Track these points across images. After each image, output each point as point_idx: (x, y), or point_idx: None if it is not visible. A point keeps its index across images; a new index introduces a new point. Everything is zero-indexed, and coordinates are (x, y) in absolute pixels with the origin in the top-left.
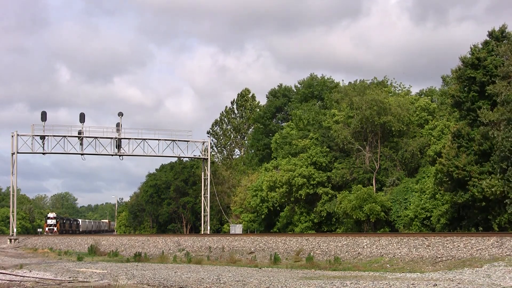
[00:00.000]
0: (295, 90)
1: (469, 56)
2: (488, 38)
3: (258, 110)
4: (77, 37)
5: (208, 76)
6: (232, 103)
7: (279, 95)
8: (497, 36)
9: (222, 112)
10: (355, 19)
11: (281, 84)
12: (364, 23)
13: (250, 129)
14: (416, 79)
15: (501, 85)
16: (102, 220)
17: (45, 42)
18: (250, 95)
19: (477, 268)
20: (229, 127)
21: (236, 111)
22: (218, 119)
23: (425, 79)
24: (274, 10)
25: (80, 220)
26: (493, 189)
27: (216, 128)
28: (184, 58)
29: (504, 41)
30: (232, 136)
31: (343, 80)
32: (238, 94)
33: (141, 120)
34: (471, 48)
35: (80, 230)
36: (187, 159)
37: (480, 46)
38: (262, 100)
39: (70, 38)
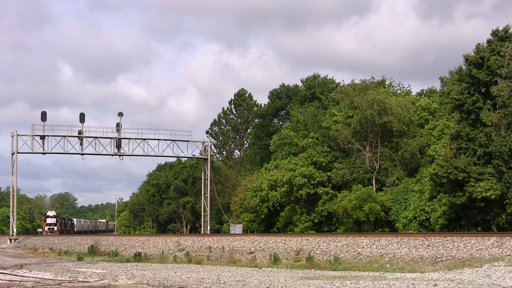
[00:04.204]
0: (299, 88)
1: (473, 54)
2: (491, 37)
3: (256, 109)
4: (79, 35)
5: (212, 75)
6: (229, 103)
7: (282, 96)
8: (501, 36)
9: (220, 113)
10: (363, 16)
11: (283, 84)
12: (371, 21)
13: (249, 129)
14: (423, 76)
15: (503, 85)
16: (99, 220)
17: (47, 40)
18: (247, 95)
19: (477, 268)
20: (227, 127)
21: (234, 111)
22: (217, 119)
23: (432, 76)
24: (281, 7)
25: (75, 219)
26: (490, 192)
27: (215, 128)
28: (188, 56)
29: (507, 41)
30: (231, 136)
31: (343, 80)
32: (235, 94)
33: (144, 119)
34: (476, 46)
35: (75, 230)
36: (186, 158)
37: (485, 45)
38: (265, 99)
39: (73, 35)
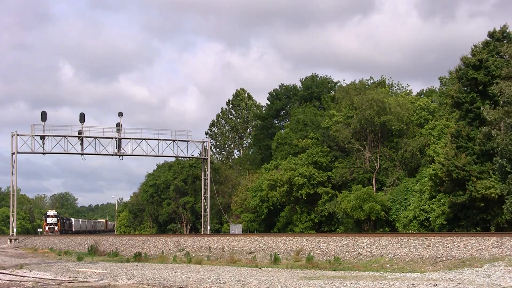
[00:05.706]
0: (298, 88)
1: (470, 56)
2: (488, 38)
3: (255, 109)
4: (80, 34)
5: (214, 74)
6: (227, 103)
7: (281, 96)
8: (498, 38)
9: (219, 113)
10: (365, 16)
11: (282, 84)
12: (373, 20)
13: (249, 129)
14: (424, 76)
15: (505, 84)
16: (98, 220)
17: (48, 39)
18: (245, 95)
19: (477, 268)
20: (226, 127)
21: (232, 111)
22: (215, 120)
23: (433, 76)
24: (282, 7)
25: (73, 219)
26: (491, 190)
27: (214, 129)
28: (189, 56)
29: (504, 41)
30: (230, 136)
31: (344, 80)
32: (233, 94)
33: (145, 118)
34: (472, 48)
35: (73, 230)
36: (186, 158)
37: (481, 46)
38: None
39: (74, 35)
